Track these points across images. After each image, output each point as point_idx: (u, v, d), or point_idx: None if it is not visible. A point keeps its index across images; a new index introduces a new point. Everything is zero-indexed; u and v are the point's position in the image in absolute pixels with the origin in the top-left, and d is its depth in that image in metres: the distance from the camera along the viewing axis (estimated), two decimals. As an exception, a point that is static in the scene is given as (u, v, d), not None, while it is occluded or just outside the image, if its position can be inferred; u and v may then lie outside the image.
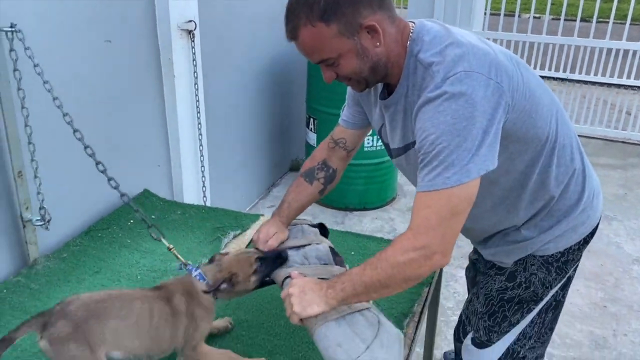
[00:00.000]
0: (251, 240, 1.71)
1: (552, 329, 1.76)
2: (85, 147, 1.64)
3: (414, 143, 1.31)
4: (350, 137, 1.63)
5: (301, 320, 1.33)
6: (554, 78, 5.39)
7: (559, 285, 1.60)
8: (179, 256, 1.52)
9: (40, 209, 1.88)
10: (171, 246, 1.56)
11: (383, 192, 3.91)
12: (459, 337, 1.75)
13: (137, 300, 1.36)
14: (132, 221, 2.27)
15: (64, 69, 1.97)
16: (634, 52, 4.98)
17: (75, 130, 1.66)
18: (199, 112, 2.79)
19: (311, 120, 3.74)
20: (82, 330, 1.25)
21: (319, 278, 1.40)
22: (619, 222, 3.66)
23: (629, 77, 5.13)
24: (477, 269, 1.89)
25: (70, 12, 2.00)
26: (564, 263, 1.54)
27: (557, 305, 1.68)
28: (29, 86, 1.74)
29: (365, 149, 3.60)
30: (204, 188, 2.94)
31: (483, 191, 1.28)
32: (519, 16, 5.34)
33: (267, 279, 1.47)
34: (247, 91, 3.49)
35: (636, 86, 5.18)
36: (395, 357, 1.30)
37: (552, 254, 1.52)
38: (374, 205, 3.85)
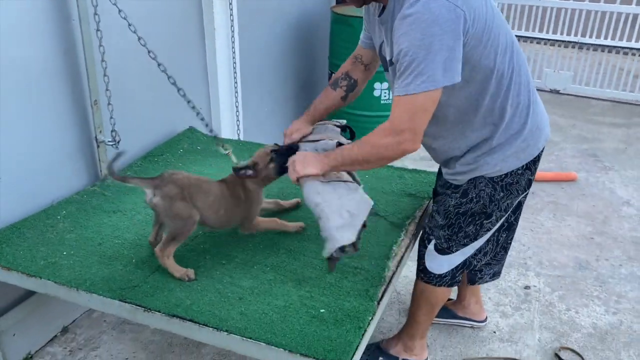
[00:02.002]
0: None
1: (505, 249, 2.13)
2: (169, 77, 2.10)
3: (391, 59, 1.64)
4: (365, 54, 1.99)
5: (298, 180, 1.73)
6: (565, 42, 5.63)
7: (510, 207, 1.91)
8: (233, 158, 1.95)
9: (112, 131, 2.30)
10: (229, 151, 2.01)
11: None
12: (423, 244, 2.04)
13: (215, 187, 1.83)
14: (181, 150, 2.69)
15: (132, 20, 2.36)
16: (644, 17, 5.20)
17: (159, 64, 2.08)
18: (234, 62, 3.17)
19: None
20: (187, 193, 1.71)
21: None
22: (616, 172, 3.97)
23: (637, 40, 5.35)
24: (437, 191, 2.07)
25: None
26: (509, 184, 1.83)
27: (509, 227, 2.04)
28: (106, 28, 2.14)
29: (382, 102, 3.96)
30: (238, 131, 3.34)
31: (442, 112, 1.62)
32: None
33: (285, 165, 1.83)
34: (276, 47, 3.86)
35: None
36: (362, 212, 1.64)
37: (498, 175, 1.82)
38: (389, 154, 4.20)
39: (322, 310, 1.62)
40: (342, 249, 1.56)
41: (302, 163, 1.73)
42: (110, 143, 2.31)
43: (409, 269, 2.49)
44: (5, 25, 1.89)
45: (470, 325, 2.44)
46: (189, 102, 2.10)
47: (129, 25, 2.03)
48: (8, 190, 2.00)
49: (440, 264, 2.00)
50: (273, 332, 1.53)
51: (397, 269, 1.85)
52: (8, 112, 1.95)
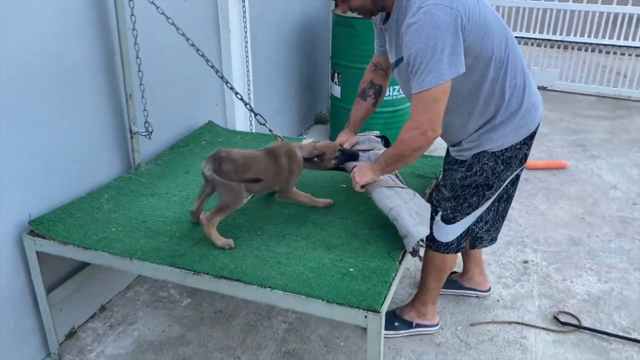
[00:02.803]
0: None
1: (503, 217, 2.37)
2: (227, 83, 2.27)
3: (402, 59, 1.90)
4: (382, 60, 2.26)
5: (362, 187, 2.06)
6: (550, 40, 5.92)
7: (508, 179, 2.15)
8: (279, 135, 2.30)
9: (145, 122, 2.50)
10: (272, 129, 2.35)
11: (397, 138, 4.50)
12: (431, 216, 2.15)
13: (263, 160, 2.05)
14: (204, 142, 2.90)
15: (158, 19, 2.57)
16: (623, 15, 5.49)
17: (197, 49, 2.27)
18: (247, 62, 3.39)
19: (335, 74, 4.32)
20: (240, 169, 1.94)
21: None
22: (603, 160, 4.24)
23: (618, 38, 5.66)
24: (444, 168, 2.29)
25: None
26: (508, 158, 2.07)
27: (507, 198, 2.28)
28: (141, 28, 2.35)
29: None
30: (250, 126, 3.55)
31: (451, 100, 1.85)
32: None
33: (341, 166, 2.21)
34: (282, 48, 4.09)
35: (625, 46, 5.70)
36: (425, 212, 1.98)
37: (499, 150, 2.05)
38: (390, 148, 4.44)
39: (351, 269, 1.83)
40: (418, 242, 1.90)
41: (359, 174, 2.06)
42: (144, 134, 2.51)
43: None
44: (53, 25, 2.09)
45: (475, 295, 2.66)
46: (227, 82, 2.38)
47: (167, 18, 2.30)
48: (58, 175, 2.20)
49: (446, 232, 2.22)
50: (311, 287, 1.74)
51: (413, 235, 2.07)
52: (54, 104, 2.15)
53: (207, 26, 3.11)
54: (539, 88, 6.00)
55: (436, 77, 1.74)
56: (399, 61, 1.98)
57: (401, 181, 2.17)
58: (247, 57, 3.36)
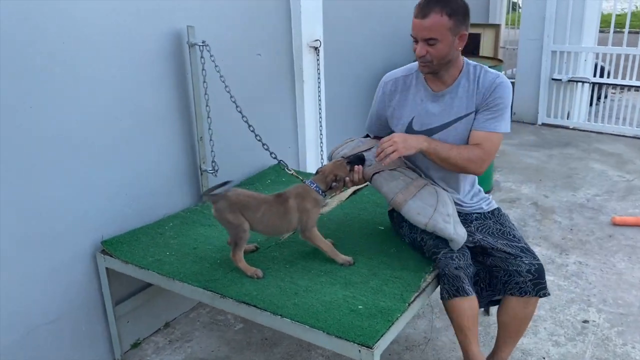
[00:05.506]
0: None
1: None
2: (249, 126, 2.59)
3: (471, 112, 2.15)
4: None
5: (392, 209, 2.25)
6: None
7: None
8: (298, 176, 2.38)
9: (212, 162, 2.84)
10: (292, 170, 2.47)
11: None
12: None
13: (264, 203, 2.19)
14: (269, 181, 3.18)
15: (231, 74, 2.92)
16: None
17: (243, 116, 2.59)
18: (320, 109, 3.65)
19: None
20: (236, 207, 2.13)
21: (390, 169, 2.22)
22: None
23: None
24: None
25: (237, 35, 2.98)
26: None
27: None
28: (210, 81, 2.72)
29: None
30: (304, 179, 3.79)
31: None
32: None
33: (359, 178, 2.21)
34: (360, 95, 4.32)
35: None
36: (451, 210, 2.12)
37: None
38: (468, 196, 4.42)
39: (360, 307, 1.94)
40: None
41: (403, 142, 2.06)
42: (211, 172, 2.85)
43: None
44: (141, 78, 2.52)
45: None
46: (258, 138, 2.56)
47: (225, 87, 2.62)
48: (131, 203, 2.58)
49: None
50: (317, 319, 1.88)
51: (432, 280, 2.13)
52: (137, 143, 2.55)
53: (284, 77, 3.43)
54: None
55: (505, 125, 2.16)
56: (459, 118, 2.17)
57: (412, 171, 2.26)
58: (319, 104, 3.63)
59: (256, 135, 2.59)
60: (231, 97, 2.64)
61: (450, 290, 2.05)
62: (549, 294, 2.14)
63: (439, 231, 2.07)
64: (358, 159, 2.24)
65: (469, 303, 2.06)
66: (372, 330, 1.81)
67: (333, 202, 2.81)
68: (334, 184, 2.20)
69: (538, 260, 2.13)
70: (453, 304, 2.07)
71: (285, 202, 2.18)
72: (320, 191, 2.20)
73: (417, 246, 2.24)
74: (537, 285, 2.11)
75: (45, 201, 2.23)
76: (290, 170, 2.49)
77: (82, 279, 2.43)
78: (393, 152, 2.04)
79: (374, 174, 2.24)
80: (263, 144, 2.54)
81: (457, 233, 2.08)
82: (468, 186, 2.34)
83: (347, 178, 2.22)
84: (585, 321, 2.81)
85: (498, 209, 2.37)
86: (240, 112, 2.62)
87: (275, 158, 2.52)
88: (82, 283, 2.43)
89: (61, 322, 2.37)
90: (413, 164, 2.32)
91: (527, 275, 2.10)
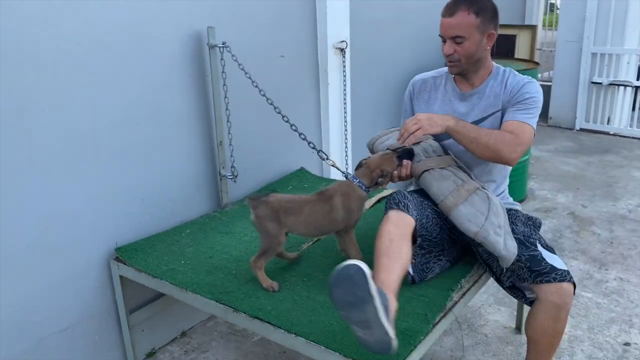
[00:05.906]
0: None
1: None
2: (283, 117, 2.48)
3: (497, 111, 2.09)
4: None
5: (442, 211, 2.00)
6: None
7: None
8: (340, 169, 2.29)
9: (231, 167, 2.75)
10: (332, 162, 2.34)
11: (512, 194, 4.25)
12: (535, 252, 1.99)
13: (307, 204, 2.06)
14: (290, 187, 3.07)
15: (253, 75, 2.82)
16: None
17: (275, 107, 2.48)
18: (345, 112, 3.53)
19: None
20: (278, 215, 2.00)
21: (441, 168, 2.06)
22: None
23: None
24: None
25: (259, 36, 2.89)
26: None
27: None
28: (230, 83, 2.63)
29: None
30: (346, 165, 3.66)
31: None
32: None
33: (407, 174, 2.06)
34: (389, 97, 4.17)
35: None
36: (502, 220, 1.95)
37: None
38: (501, 204, 4.22)
39: (380, 327, 1.81)
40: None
41: (428, 120, 1.96)
42: (230, 177, 2.76)
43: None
44: (159, 80, 2.44)
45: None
46: (297, 131, 2.42)
47: (252, 82, 2.51)
48: (147, 209, 2.51)
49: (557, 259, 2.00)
50: (333, 340, 1.76)
51: (459, 300, 1.98)
52: (155, 147, 2.48)
53: (309, 79, 3.32)
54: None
55: (535, 120, 2.06)
56: (487, 116, 2.12)
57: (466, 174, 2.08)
58: (344, 107, 3.51)
59: (292, 125, 2.42)
60: (260, 90, 2.52)
61: (390, 204, 1.95)
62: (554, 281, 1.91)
63: (489, 244, 1.89)
64: (407, 153, 2.06)
65: (402, 218, 1.90)
66: (393, 354, 1.67)
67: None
68: (380, 179, 2.04)
69: (534, 250, 1.97)
70: (387, 215, 1.93)
71: (330, 199, 2.04)
72: (364, 187, 2.06)
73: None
74: (533, 273, 1.92)
75: (59, 206, 2.17)
76: (330, 162, 2.35)
77: (95, 286, 2.36)
78: (417, 129, 1.93)
79: (423, 171, 2.06)
80: (300, 134, 2.39)
81: (508, 249, 1.90)
82: (493, 186, 2.25)
83: (395, 172, 2.07)
84: (627, 344, 2.60)
85: (515, 211, 2.27)
86: (271, 104, 2.47)
87: (314, 148, 2.36)
88: (95, 290, 2.37)
89: (73, 330, 2.31)
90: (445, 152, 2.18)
91: (517, 264, 1.95)
